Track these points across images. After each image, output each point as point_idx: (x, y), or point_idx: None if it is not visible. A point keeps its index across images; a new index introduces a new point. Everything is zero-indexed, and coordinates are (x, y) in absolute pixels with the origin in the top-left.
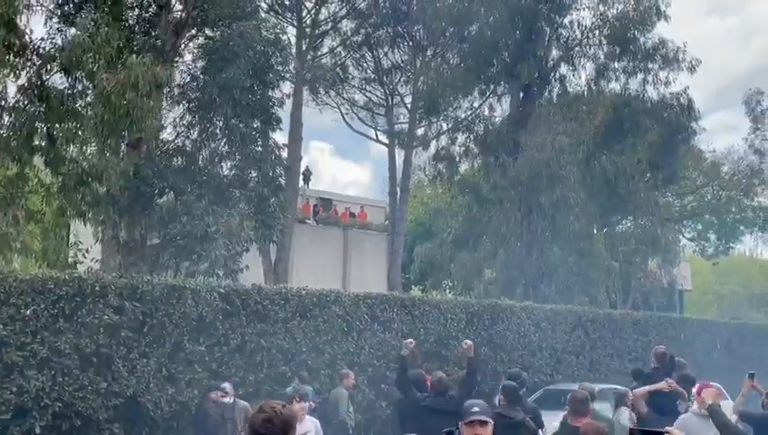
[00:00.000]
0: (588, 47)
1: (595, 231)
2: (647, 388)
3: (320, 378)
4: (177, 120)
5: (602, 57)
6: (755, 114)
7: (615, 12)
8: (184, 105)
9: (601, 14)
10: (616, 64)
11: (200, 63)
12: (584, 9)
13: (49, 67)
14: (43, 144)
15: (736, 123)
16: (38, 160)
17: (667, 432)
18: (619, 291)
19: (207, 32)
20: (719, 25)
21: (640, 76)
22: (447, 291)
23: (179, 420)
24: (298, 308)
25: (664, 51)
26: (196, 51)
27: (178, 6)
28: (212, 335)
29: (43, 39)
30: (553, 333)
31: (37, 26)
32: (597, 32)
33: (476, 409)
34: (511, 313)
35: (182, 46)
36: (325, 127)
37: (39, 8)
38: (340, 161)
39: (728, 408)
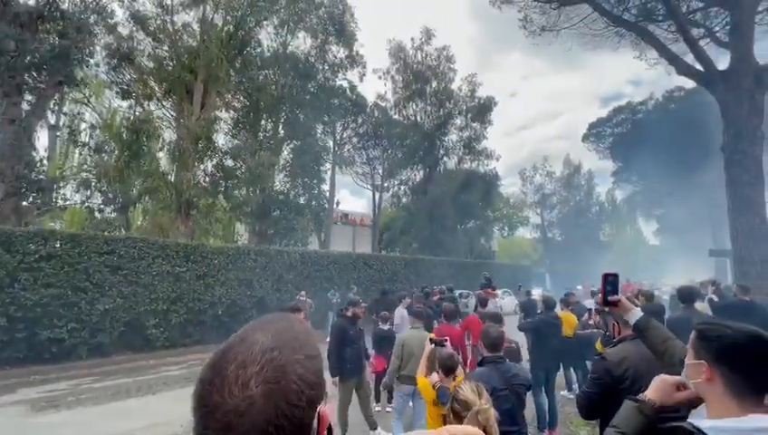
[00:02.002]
0: (454, 149)
1: (459, 226)
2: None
3: (341, 288)
4: (282, 178)
5: (460, 154)
6: (523, 177)
7: (465, 135)
8: (284, 173)
9: (459, 137)
10: (466, 157)
11: (291, 155)
12: (453, 134)
13: (225, 157)
14: (223, 189)
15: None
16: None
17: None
18: (468, 252)
19: (296, 142)
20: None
21: (476, 163)
22: (398, 252)
23: (283, 306)
24: (333, 259)
25: (486, 151)
26: (290, 149)
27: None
28: (296, 271)
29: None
30: (441, 270)
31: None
32: (460, 143)
33: None
34: (421, 261)
35: (284, 147)
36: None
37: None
38: (352, 197)
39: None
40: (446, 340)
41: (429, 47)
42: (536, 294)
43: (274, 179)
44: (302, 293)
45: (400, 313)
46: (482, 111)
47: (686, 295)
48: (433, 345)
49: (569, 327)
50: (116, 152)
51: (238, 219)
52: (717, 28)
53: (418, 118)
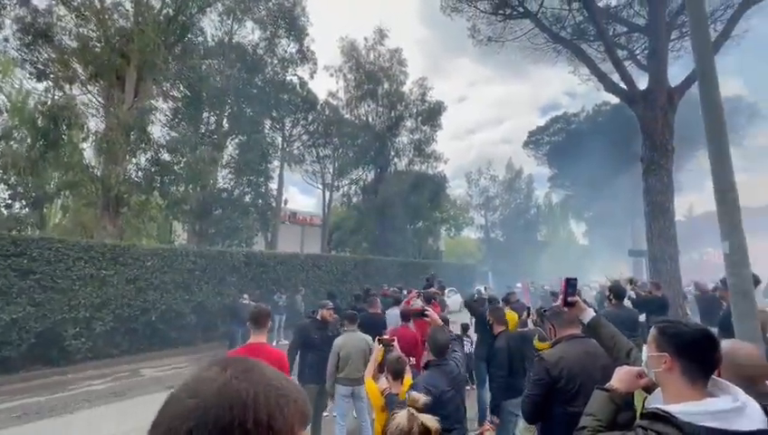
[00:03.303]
0: (405, 151)
1: (409, 227)
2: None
3: (289, 290)
4: (226, 175)
5: (411, 155)
6: (469, 180)
7: (415, 137)
8: (228, 170)
9: (410, 139)
10: (416, 159)
11: (236, 151)
12: (404, 136)
13: (161, 150)
14: (159, 186)
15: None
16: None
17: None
18: (417, 250)
19: (241, 137)
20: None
21: (425, 165)
22: (348, 252)
23: (224, 311)
24: (280, 260)
25: (435, 154)
26: (234, 144)
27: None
28: (240, 273)
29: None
30: (391, 270)
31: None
32: (410, 145)
33: None
34: (372, 261)
35: (227, 142)
36: (296, 179)
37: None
38: (302, 195)
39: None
40: (394, 341)
41: (382, 48)
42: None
43: (217, 176)
44: (245, 296)
45: (394, 313)
46: (432, 115)
47: (617, 293)
48: (381, 347)
49: (511, 324)
50: (28, 140)
51: (176, 218)
52: (638, 52)
53: (370, 118)
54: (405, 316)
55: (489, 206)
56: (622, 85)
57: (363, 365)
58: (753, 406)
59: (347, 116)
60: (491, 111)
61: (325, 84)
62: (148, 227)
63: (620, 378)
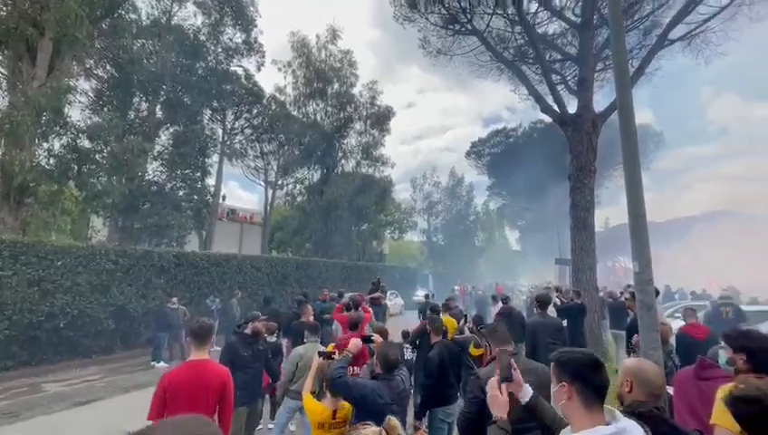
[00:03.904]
0: (353, 153)
1: (353, 229)
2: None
3: (224, 293)
4: (157, 167)
5: (359, 158)
6: (414, 185)
7: (364, 140)
8: (160, 162)
9: (358, 141)
10: (364, 162)
11: (170, 142)
12: (352, 138)
13: (80, 135)
14: (75, 175)
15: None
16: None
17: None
18: (361, 253)
19: (177, 127)
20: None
21: (372, 169)
22: (290, 253)
23: (148, 316)
24: (215, 261)
25: (383, 158)
26: (169, 134)
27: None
28: (169, 274)
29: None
30: (334, 272)
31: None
32: (358, 147)
33: None
34: (314, 263)
35: (161, 132)
36: (237, 174)
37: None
38: (243, 191)
39: None
40: (335, 353)
41: (334, 47)
42: (420, 293)
43: (146, 168)
44: (174, 299)
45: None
46: (380, 119)
47: (543, 303)
48: (321, 359)
49: (450, 331)
50: None
51: (95, 212)
52: (570, 78)
53: (318, 117)
54: (351, 325)
55: (432, 211)
56: (555, 107)
57: (319, 383)
58: (633, 428)
59: (294, 113)
60: (437, 119)
61: (273, 79)
62: (59, 221)
63: (494, 406)
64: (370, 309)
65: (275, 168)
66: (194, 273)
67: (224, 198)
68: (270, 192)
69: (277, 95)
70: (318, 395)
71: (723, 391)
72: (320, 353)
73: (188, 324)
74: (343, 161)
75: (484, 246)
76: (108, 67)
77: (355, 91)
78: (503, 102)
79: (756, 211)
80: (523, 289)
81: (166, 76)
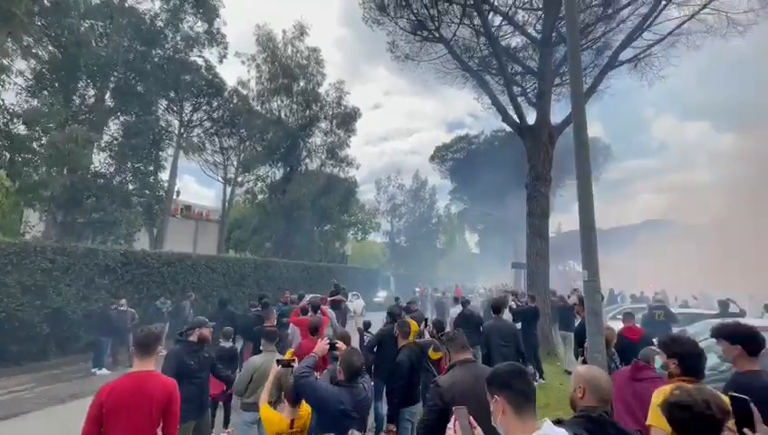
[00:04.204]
0: (317, 152)
1: (316, 229)
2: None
3: (176, 295)
4: (104, 159)
5: (323, 157)
6: (379, 187)
7: (329, 140)
8: (108, 153)
9: (323, 141)
10: (328, 162)
11: (120, 132)
12: (317, 137)
13: (14, 120)
14: (7, 164)
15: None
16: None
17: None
18: (323, 254)
19: (128, 117)
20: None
21: (337, 169)
22: (249, 253)
23: (90, 319)
24: (167, 261)
25: (348, 159)
26: (119, 124)
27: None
28: (115, 274)
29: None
30: (294, 273)
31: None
32: (323, 147)
33: None
34: (274, 264)
35: (109, 121)
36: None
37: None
38: (200, 186)
39: None
40: (294, 361)
41: (301, 44)
42: (381, 295)
43: (92, 159)
44: (122, 301)
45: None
46: (347, 119)
47: (497, 307)
48: (280, 367)
49: (411, 334)
50: None
51: (30, 206)
52: (530, 91)
53: (283, 114)
54: (312, 329)
55: (396, 212)
56: (515, 118)
57: (277, 393)
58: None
59: (258, 108)
60: (403, 122)
61: (235, 72)
62: None
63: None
64: (330, 312)
65: (235, 164)
66: (143, 273)
67: (178, 193)
68: (229, 189)
69: (240, 89)
70: (276, 405)
71: (658, 396)
72: (278, 361)
73: (134, 330)
74: (307, 160)
75: (445, 249)
76: (50, 48)
77: (321, 89)
78: (466, 109)
79: (689, 221)
80: (481, 291)
81: (117, 62)
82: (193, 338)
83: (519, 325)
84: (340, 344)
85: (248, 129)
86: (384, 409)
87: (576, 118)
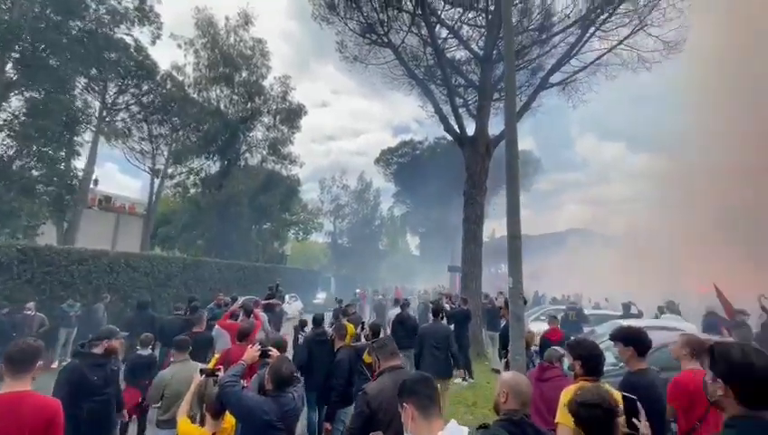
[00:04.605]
0: (258, 147)
1: (254, 227)
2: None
3: (88, 297)
4: (2, 139)
5: (265, 153)
6: (323, 186)
7: (272, 135)
8: (7, 133)
9: (265, 136)
10: (270, 158)
11: (24, 110)
12: (259, 131)
13: None
14: None
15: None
16: None
17: None
18: (261, 253)
19: (36, 93)
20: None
21: (279, 166)
22: (177, 251)
23: None
24: (78, 258)
25: (291, 156)
26: (23, 100)
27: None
28: (9, 273)
29: None
30: (229, 274)
31: None
32: (265, 142)
33: None
34: (205, 263)
35: (11, 96)
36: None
37: None
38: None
39: None
40: (220, 370)
41: (245, 33)
42: (321, 297)
43: None
44: (30, 304)
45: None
46: (291, 115)
47: (437, 311)
48: (203, 377)
49: (347, 336)
50: None
51: None
52: (471, 103)
53: (222, 105)
54: (240, 335)
55: (339, 213)
56: (456, 128)
57: (198, 404)
58: (458, 430)
59: (194, 96)
60: (350, 122)
61: (170, 55)
62: None
63: None
64: (262, 316)
65: (166, 154)
66: (47, 272)
67: (96, 182)
68: (157, 181)
69: (174, 74)
70: (196, 418)
71: (565, 395)
72: (202, 371)
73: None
74: (247, 155)
75: (387, 251)
76: None
77: (266, 83)
78: (413, 115)
79: (606, 231)
80: (419, 293)
81: (23, 29)
82: (98, 350)
83: (452, 327)
84: (272, 352)
85: (182, 117)
86: (317, 417)
87: (508, 134)
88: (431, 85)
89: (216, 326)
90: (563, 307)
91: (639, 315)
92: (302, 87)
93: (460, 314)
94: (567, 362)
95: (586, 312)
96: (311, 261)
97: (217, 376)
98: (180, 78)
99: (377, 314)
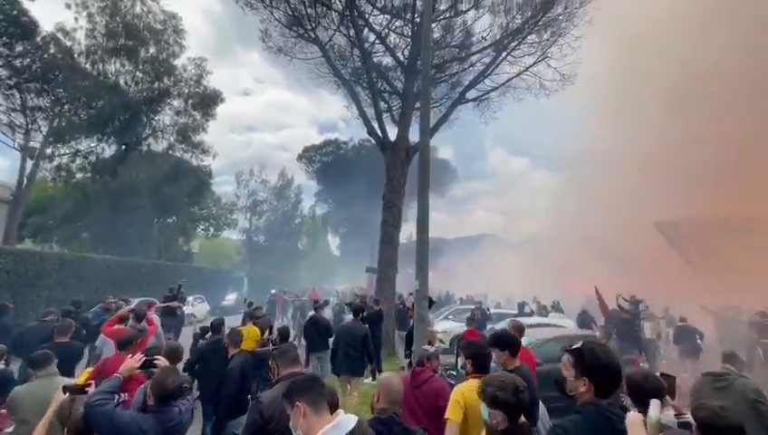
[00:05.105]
0: (164, 132)
1: (156, 222)
2: None
3: None
4: None
5: (173, 140)
6: (239, 180)
7: (182, 121)
8: None
9: (174, 121)
10: (179, 145)
11: None
12: (166, 115)
13: None
14: None
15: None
16: None
17: None
18: (163, 250)
19: None
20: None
21: (189, 155)
22: (55, 244)
23: None
24: None
25: (204, 145)
26: None
27: None
28: None
29: None
30: (120, 273)
31: None
32: (174, 128)
33: None
34: (89, 260)
35: None
36: None
37: None
38: None
39: None
40: (90, 386)
41: (155, 5)
42: (231, 298)
43: None
44: None
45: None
46: (206, 101)
47: (356, 311)
48: (67, 395)
49: (252, 341)
50: None
51: None
52: (395, 109)
53: (123, 81)
54: (121, 343)
55: (256, 209)
56: (379, 132)
57: (60, 429)
58: (348, 420)
59: (87, 67)
60: (274, 115)
61: (57, 14)
62: None
63: None
64: (156, 320)
65: (45, 130)
66: None
67: None
68: (31, 161)
69: (61, 37)
70: None
71: (456, 393)
72: (65, 388)
73: None
74: (151, 140)
75: (307, 250)
76: None
77: (178, 62)
78: (340, 113)
79: (511, 237)
80: (336, 292)
81: None
82: None
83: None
84: (160, 361)
85: (70, 90)
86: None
87: (422, 145)
88: (357, 87)
89: (101, 336)
90: (470, 306)
91: (531, 314)
92: (222, 72)
93: (373, 315)
94: (460, 361)
95: (490, 311)
96: (222, 259)
97: (86, 393)
98: (69, 44)
99: (300, 314)
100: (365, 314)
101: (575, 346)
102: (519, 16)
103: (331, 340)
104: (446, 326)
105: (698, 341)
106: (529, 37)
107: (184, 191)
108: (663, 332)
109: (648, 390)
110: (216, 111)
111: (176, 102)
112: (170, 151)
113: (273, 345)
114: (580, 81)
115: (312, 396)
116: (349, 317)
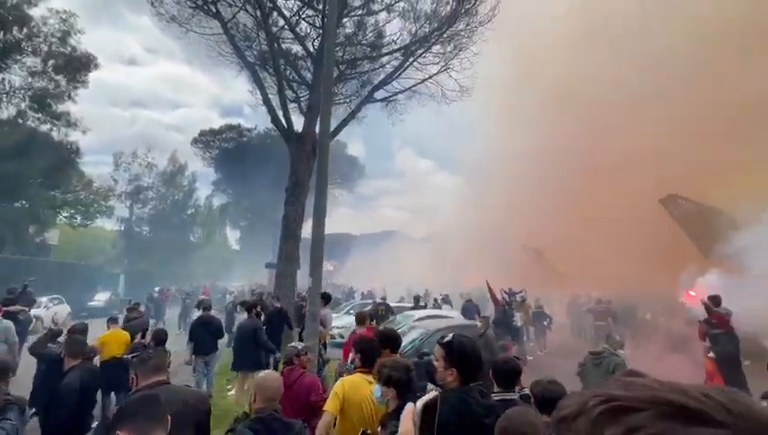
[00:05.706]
0: (13, 96)
1: None
2: None
3: None
4: None
5: (25, 106)
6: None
7: (39, 84)
8: None
9: (28, 83)
10: (34, 114)
11: None
12: (16, 75)
13: None
14: None
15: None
16: None
17: None
18: (6, 241)
19: None
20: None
21: (49, 127)
22: None
23: None
24: None
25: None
26: None
27: None
28: None
29: None
30: None
31: None
32: (27, 92)
33: None
34: None
35: None
36: None
37: None
38: None
39: None
40: None
41: None
42: (102, 298)
43: None
44: None
45: None
46: (74, 65)
47: (249, 307)
48: None
49: (118, 346)
50: None
51: None
52: (303, 100)
53: None
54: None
55: (139, 196)
56: (284, 122)
57: None
58: None
59: None
60: (168, 91)
61: None
62: None
63: None
64: None
65: None
66: None
67: None
68: None
69: None
70: None
71: (338, 385)
72: None
73: None
74: None
75: (201, 244)
76: None
77: (36, 13)
78: (246, 98)
79: (414, 234)
80: (231, 289)
81: None
82: None
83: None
84: None
85: None
86: None
87: (322, 146)
88: (263, 73)
89: None
90: (371, 301)
91: (425, 306)
92: (101, 33)
93: (274, 312)
94: (351, 355)
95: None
96: (92, 253)
97: None
98: None
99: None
100: (259, 310)
101: (446, 339)
102: (427, 25)
103: (221, 341)
104: (346, 322)
105: (544, 323)
106: (434, 47)
107: (38, 170)
108: (530, 320)
109: (507, 371)
110: (87, 77)
111: (30, 61)
112: (20, 120)
113: (146, 349)
114: (478, 91)
115: (136, 422)
116: (243, 317)
